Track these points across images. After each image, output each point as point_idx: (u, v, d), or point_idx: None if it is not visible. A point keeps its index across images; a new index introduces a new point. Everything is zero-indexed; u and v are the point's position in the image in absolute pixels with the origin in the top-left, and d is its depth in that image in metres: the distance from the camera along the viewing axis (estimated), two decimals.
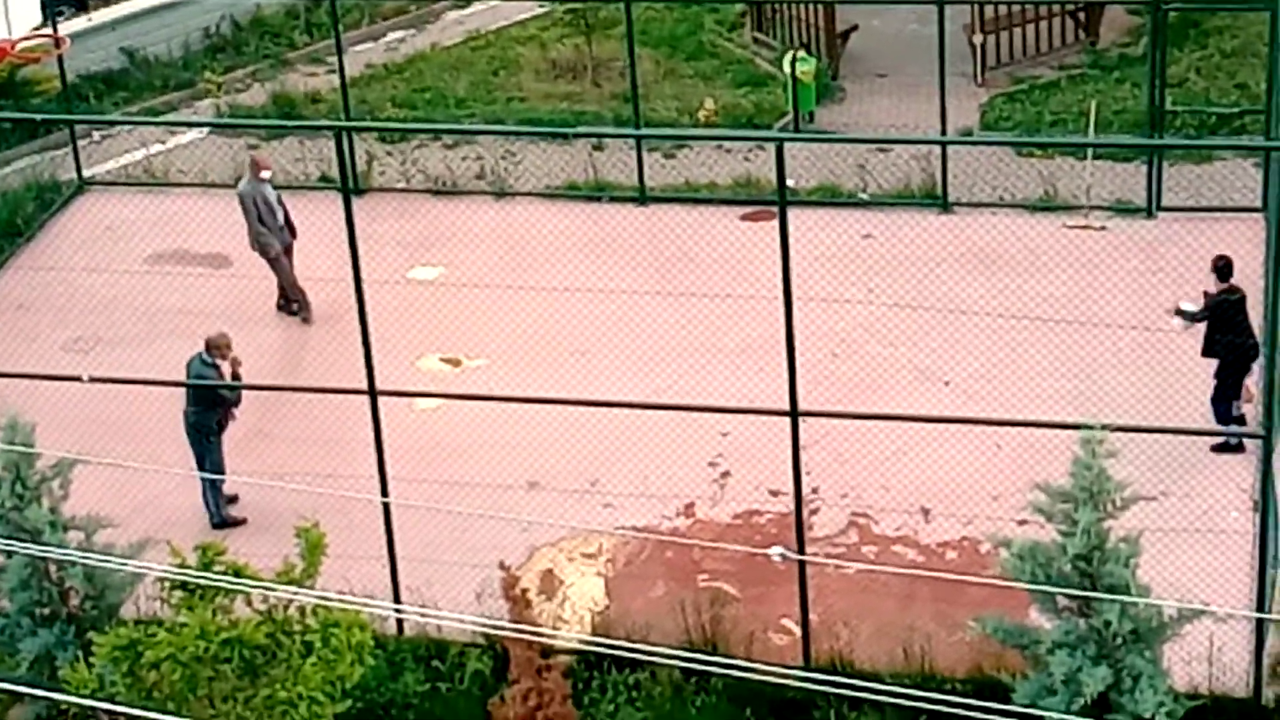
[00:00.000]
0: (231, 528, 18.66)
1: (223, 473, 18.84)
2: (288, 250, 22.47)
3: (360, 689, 14.64)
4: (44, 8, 23.41)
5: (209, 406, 18.69)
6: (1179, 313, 19.01)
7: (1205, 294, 18.82)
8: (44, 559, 15.30)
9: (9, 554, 15.40)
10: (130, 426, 19.54)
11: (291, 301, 22.52)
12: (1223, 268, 18.72)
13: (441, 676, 16.55)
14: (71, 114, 26.23)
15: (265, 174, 22.36)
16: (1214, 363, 18.76)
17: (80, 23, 28.97)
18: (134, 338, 22.03)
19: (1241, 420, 18.66)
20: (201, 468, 18.74)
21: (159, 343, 21.87)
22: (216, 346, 18.80)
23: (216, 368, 18.77)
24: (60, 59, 25.44)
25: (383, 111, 27.74)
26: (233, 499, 19.02)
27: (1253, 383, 18.51)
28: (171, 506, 18.72)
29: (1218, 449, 18.67)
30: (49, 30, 24.47)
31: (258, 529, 18.38)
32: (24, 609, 15.67)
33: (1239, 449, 18.61)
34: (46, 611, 15.68)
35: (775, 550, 16.33)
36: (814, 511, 18.25)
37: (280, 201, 22.46)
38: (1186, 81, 26.43)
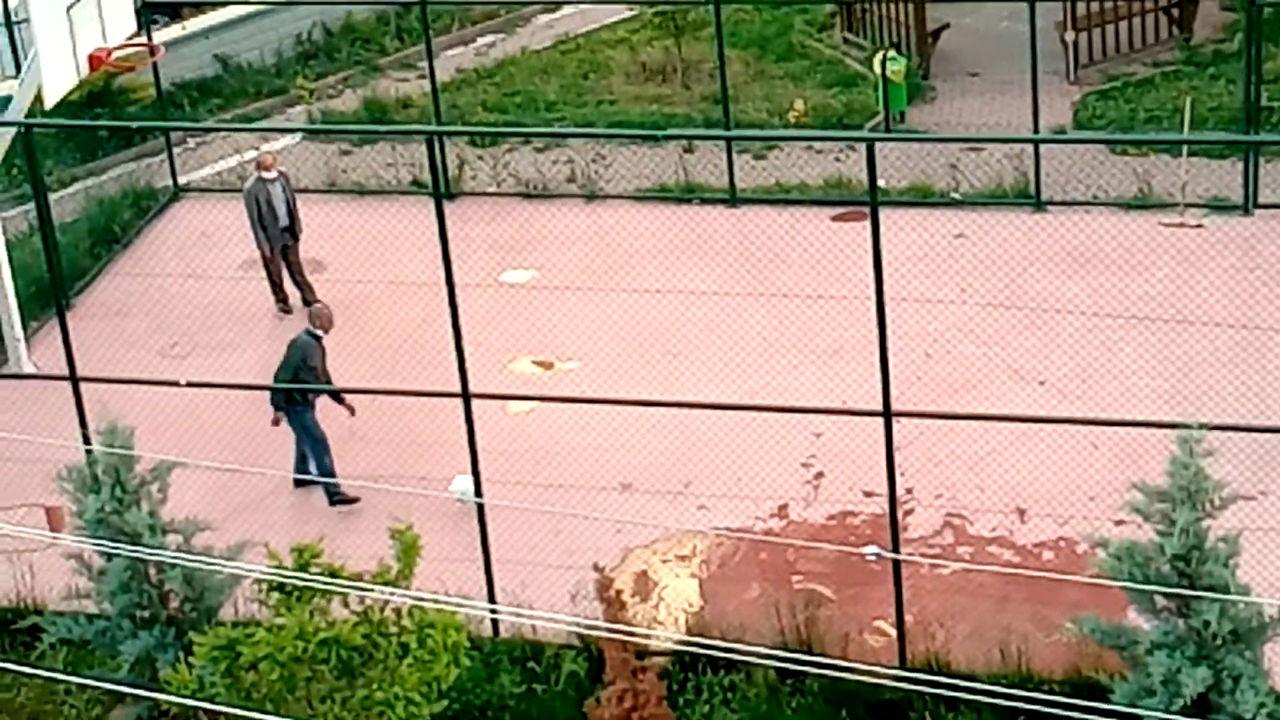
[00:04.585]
0: (348, 504, 18.85)
1: (322, 439, 19.04)
2: (285, 251, 22.75)
3: (456, 690, 14.70)
4: (139, 16, 23.61)
5: (294, 377, 18.96)
6: None
7: None
8: (144, 562, 15.46)
9: (110, 557, 15.56)
10: (227, 430, 19.71)
11: (279, 300, 22.97)
12: None
13: (537, 678, 16.58)
14: (166, 121, 26.51)
15: (268, 174, 22.66)
16: None
17: (174, 31, 29.26)
18: (230, 343, 22.23)
19: None
20: (302, 441, 19.10)
21: (255, 347, 22.07)
22: (320, 317, 19.29)
23: (319, 339, 19.14)
24: (155, 67, 25.70)
25: (474, 116, 27.85)
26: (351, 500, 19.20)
27: None
28: (268, 509, 18.88)
29: None
30: (144, 39, 24.70)
31: (353, 530, 18.49)
32: (125, 611, 15.84)
33: None
34: (147, 614, 15.83)
35: (870, 549, 16.28)
36: (908, 512, 18.17)
37: (290, 203, 22.73)
38: None
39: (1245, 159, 23.25)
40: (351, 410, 19.23)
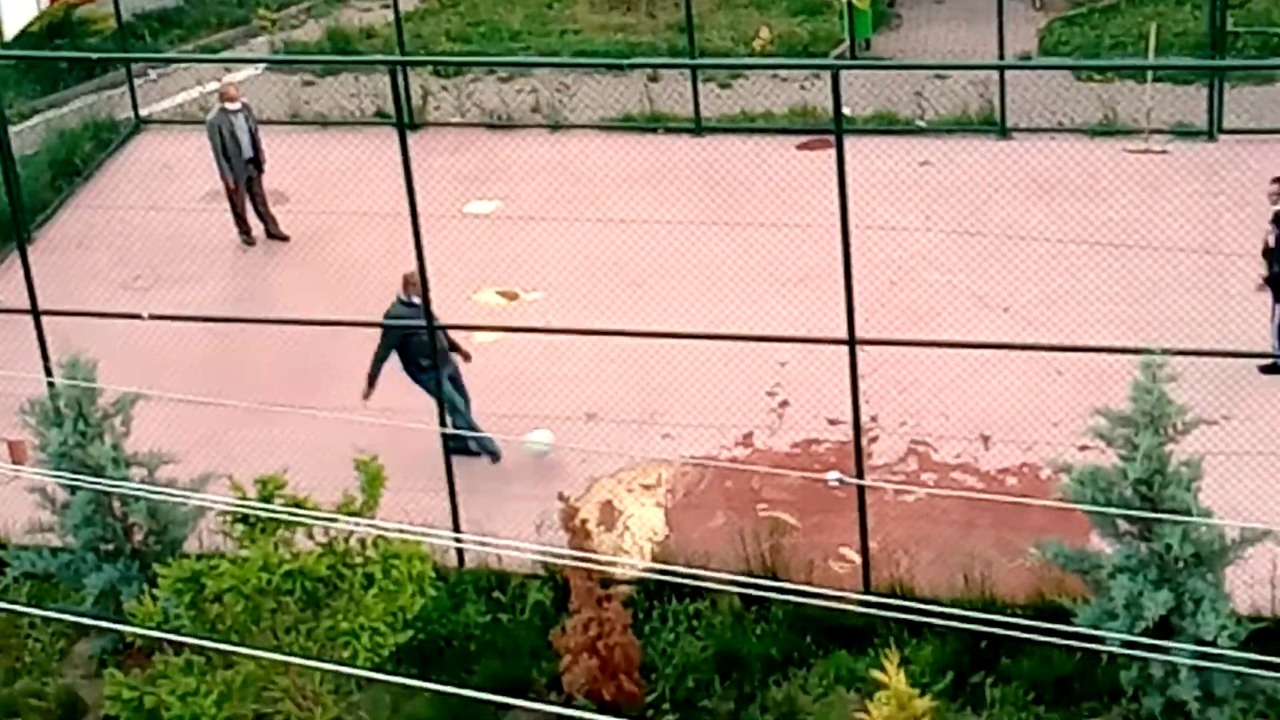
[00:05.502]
0: (468, 455, 18.02)
1: (450, 399, 17.88)
2: (249, 183, 22.68)
3: (422, 620, 14.71)
4: None
5: (399, 345, 18.07)
6: None
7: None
8: (107, 495, 15.43)
9: (73, 490, 15.53)
10: (190, 363, 19.65)
11: (242, 231, 22.87)
12: None
13: (502, 607, 16.60)
14: (128, 53, 26.31)
15: (231, 105, 22.59)
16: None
17: None
18: (193, 275, 22.14)
19: None
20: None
21: (218, 279, 22.00)
22: (414, 284, 17.55)
23: (416, 306, 17.63)
24: None
25: (437, 46, 27.71)
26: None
27: None
28: (232, 441, 18.79)
29: (1266, 370, 18.46)
30: None
31: (317, 462, 18.42)
32: (88, 544, 15.82)
33: None
34: (110, 547, 15.82)
35: (832, 475, 16.30)
36: (873, 440, 18.21)
37: (253, 134, 22.64)
38: (1248, 2, 26.13)
39: (1210, 84, 23.24)
40: (467, 357, 18.27)
